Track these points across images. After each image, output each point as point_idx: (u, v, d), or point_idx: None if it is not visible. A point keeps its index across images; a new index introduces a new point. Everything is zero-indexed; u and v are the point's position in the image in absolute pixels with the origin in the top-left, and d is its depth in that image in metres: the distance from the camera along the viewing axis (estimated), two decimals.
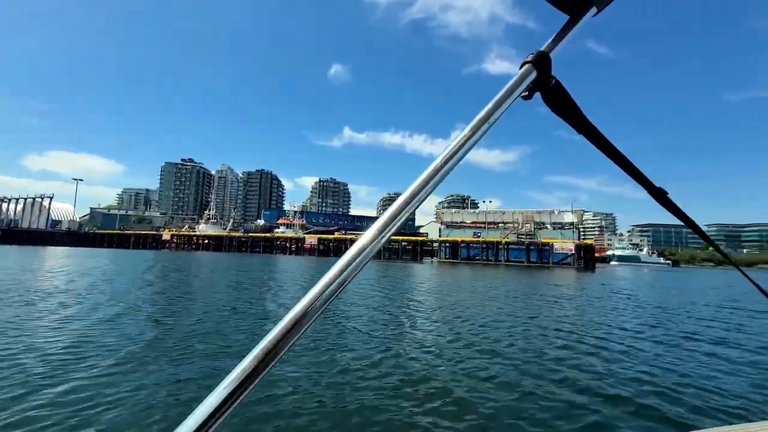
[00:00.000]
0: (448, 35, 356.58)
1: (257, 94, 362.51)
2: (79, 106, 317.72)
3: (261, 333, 6.22)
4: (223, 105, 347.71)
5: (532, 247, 60.86)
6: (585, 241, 59.16)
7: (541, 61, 0.62)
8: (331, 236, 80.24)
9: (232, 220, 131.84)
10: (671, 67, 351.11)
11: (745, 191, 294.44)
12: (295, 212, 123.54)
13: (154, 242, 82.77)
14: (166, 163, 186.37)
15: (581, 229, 68.09)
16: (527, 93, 0.62)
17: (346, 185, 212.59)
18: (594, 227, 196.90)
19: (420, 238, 68.85)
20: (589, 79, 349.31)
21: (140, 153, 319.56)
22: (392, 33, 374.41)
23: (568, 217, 66.83)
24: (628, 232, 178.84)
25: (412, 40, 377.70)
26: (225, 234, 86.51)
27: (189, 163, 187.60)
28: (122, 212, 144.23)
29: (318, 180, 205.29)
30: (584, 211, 69.46)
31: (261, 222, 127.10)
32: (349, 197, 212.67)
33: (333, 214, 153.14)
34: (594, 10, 0.70)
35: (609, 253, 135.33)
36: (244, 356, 0.40)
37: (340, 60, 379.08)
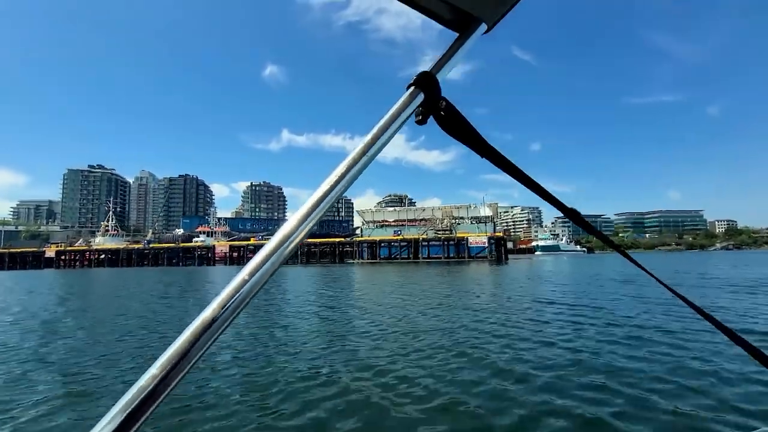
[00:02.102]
0: (383, 38, 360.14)
1: (184, 95, 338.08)
2: None
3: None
4: (144, 106, 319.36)
5: (449, 243, 61.27)
6: (497, 234, 60.68)
7: (428, 83, 0.60)
8: (244, 243, 75.11)
9: (150, 231, 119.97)
10: (579, 77, 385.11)
11: (647, 182, 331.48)
12: (219, 219, 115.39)
13: (35, 261, 71.49)
14: (68, 170, 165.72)
15: (496, 222, 70.10)
16: (420, 117, 0.61)
17: (281, 189, 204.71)
18: (523, 221, 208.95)
19: (337, 239, 66.53)
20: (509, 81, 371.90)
21: (47, 161, 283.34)
22: (327, 35, 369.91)
23: (485, 211, 68.49)
24: (552, 223, 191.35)
25: (348, 43, 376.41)
26: (121, 247, 77.40)
27: (97, 170, 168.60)
28: (10, 228, 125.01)
29: (250, 184, 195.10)
30: (498, 205, 71.67)
31: (180, 231, 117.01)
32: (285, 201, 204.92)
33: (264, 219, 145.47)
34: (484, 27, 0.69)
35: (534, 244, 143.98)
36: (140, 374, 0.37)
37: (275, 61, 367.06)
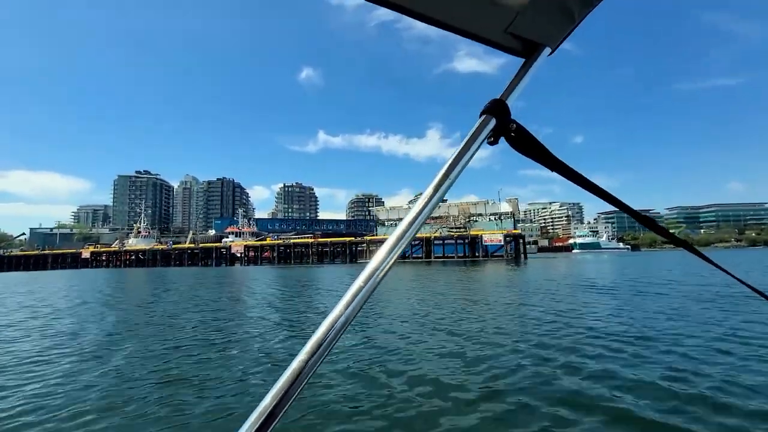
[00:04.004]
0: (416, 36, 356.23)
1: (227, 102, 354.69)
2: (32, 118, 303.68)
3: None
4: (190, 113, 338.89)
5: (462, 241, 58.60)
6: (514, 231, 57.04)
7: (499, 109, 0.65)
8: (259, 243, 76.45)
9: (191, 233, 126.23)
10: (624, 64, 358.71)
11: (703, 173, 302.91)
12: (249, 220, 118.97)
13: (74, 261, 77.14)
14: (118, 176, 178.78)
15: (517, 218, 66.26)
16: (492, 139, 0.66)
17: (312, 189, 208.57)
18: (561, 217, 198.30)
19: (348, 239, 65.71)
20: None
21: (109, 168, 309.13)
22: (361, 36, 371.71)
23: (504, 207, 65.00)
24: (594, 220, 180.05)
25: (381, 43, 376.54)
26: (147, 248, 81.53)
27: (144, 175, 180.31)
28: (66, 231, 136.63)
29: (282, 185, 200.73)
30: (518, 200, 67.61)
31: (212, 232, 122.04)
32: (316, 201, 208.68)
33: (294, 219, 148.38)
34: (548, 50, 0.73)
35: (571, 241, 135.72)
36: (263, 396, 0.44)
37: (310, 63, 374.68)
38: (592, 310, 10.18)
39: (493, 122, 0.65)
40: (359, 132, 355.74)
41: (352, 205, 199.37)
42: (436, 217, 66.48)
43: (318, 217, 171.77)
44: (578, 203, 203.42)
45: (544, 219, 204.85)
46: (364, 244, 63.95)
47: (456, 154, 0.63)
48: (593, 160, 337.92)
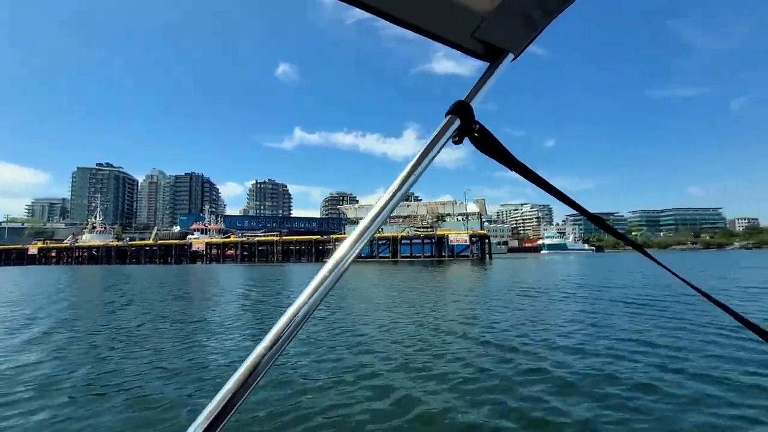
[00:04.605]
0: (394, 36, 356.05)
1: (200, 96, 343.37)
2: None
3: None
4: (160, 107, 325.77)
5: (429, 241, 58.48)
6: (480, 232, 57.37)
7: (463, 111, 0.69)
8: (221, 240, 73.97)
9: (156, 229, 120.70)
10: (595, 69, 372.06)
11: (666, 179, 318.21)
12: (216, 216, 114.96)
13: (19, 257, 71.99)
14: (78, 168, 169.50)
15: (483, 219, 66.87)
16: (456, 138, 0.69)
17: (286, 186, 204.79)
18: (532, 218, 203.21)
19: (314, 237, 64.41)
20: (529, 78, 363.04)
21: (69, 161, 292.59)
22: (339, 33, 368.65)
23: (472, 208, 65.38)
24: (563, 222, 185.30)
25: (360, 40, 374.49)
26: (101, 244, 77.37)
27: (106, 168, 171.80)
28: (16, 225, 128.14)
29: (254, 182, 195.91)
30: (485, 201, 68.19)
31: (177, 229, 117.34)
32: (290, 199, 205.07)
33: (267, 217, 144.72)
34: (511, 56, 0.77)
35: (540, 242, 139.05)
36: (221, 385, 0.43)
37: (288, 59, 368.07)
38: (515, 315, 9.73)
39: (457, 122, 0.68)
40: (336, 130, 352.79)
41: (327, 204, 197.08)
42: (405, 217, 66.14)
43: (291, 215, 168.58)
44: (548, 205, 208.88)
45: (516, 220, 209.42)
46: (331, 243, 62.79)
47: (421, 152, 0.65)
48: (564, 163, 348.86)
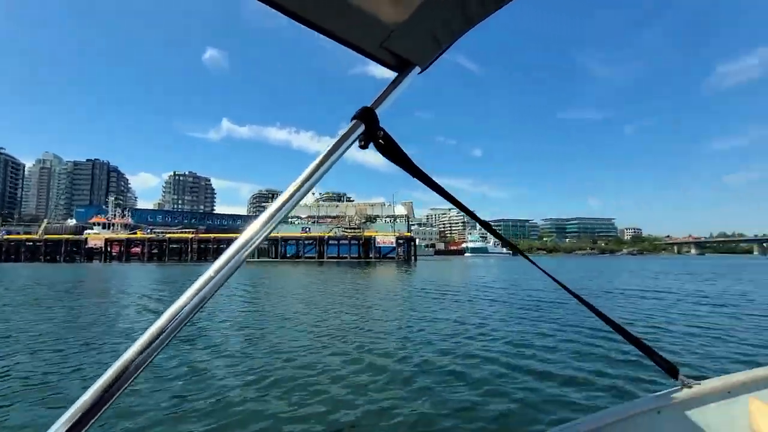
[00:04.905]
0: None
1: (108, 71, 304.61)
2: None
3: None
4: (58, 79, 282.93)
5: (356, 242, 58.09)
6: (406, 234, 58.51)
7: (368, 116, 0.72)
8: (125, 236, 66.34)
9: (45, 221, 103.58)
10: (519, 89, 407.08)
11: (572, 190, 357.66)
12: (123, 210, 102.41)
13: None
14: None
15: (411, 221, 68.36)
16: (362, 143, 0.73)
17: (209, 180, 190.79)
18: (458, 223, 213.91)
19: (235, 235, 60.19)
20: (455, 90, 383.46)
21: None
22: (275, 23, 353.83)
23: (400, 210, 66.34)
24: None
25: (297, 34, 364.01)
26: None
27: None
28: None
29: (172, 174, 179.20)
30: (412, 204, 69.82)
31: (72, 222, 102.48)
32: (213, 194, 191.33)
33: (185, 212, 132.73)
34: (418, 69, 0.82)
35: (464, 245, 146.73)
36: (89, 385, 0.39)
37: (217, 45, 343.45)
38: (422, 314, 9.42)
39: (362, 128, 0.71)
40: (269, 124, 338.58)
41: (255, 201, 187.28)
42: (333, 217, 65.03)
43: (214, 212, 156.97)
44: (473, 211, 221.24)
45: (444, 224, 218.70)
46: None
47: (325, 153, 0.67)
48: (489, 172, 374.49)
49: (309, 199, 71.51)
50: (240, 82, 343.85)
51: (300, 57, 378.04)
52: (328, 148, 0.68)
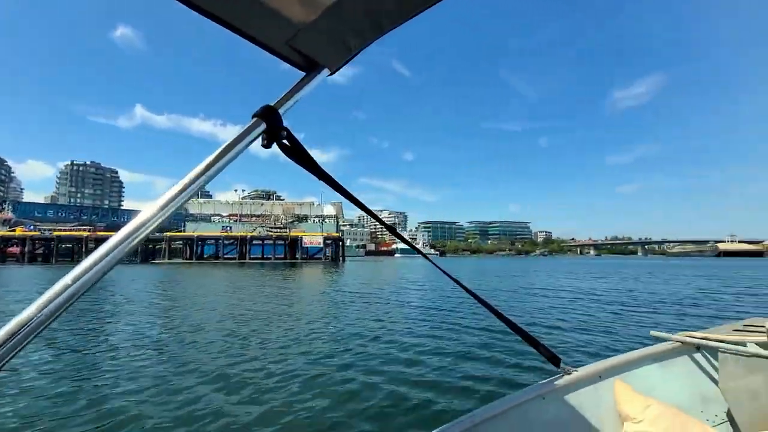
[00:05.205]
0: None
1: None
2: None
3: None
4: None
5: (282, 242, 55.49)
6: (334, 234, 57.35)
7: (270, 115, 0.70)
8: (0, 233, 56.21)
9: None
10: (449, 97, 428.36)
11: (495, 195, 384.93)
12: (3, 203, 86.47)
13: None
14: None
15: (340, 222, 67.36)
16: (265, 142, 0.71)
17: (116, 172, 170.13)
18: (389, 224, 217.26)
19: None
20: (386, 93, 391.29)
21: None
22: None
23: (329, 210, 64.92)
24: (416, 228, 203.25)
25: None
26: None
27: None
28: None
29: (70, 163, 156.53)
30: (342, 204, 68.91)
31: None
32: (121, 188, 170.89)
33: (84, 207, 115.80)
34: (327, 71, 0.80)
35: (394, 246, 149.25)
36: None
37: (128, 21, 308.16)
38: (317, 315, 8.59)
39: (263, 126, 0.69)
40: (191, 114, 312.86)
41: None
42: (258, 216, 61.46)
43: (121, 207, 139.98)
44: (404, 213, 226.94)
45: (375, 225, 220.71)
46: (163, 242, 53.57)
47: (221, 150, 0.64)
48: (419, 175, 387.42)
49: (232, 196, 66.95)
50: (161, 67, 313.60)
51: (225, 41, 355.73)
52: (224, 145, 0.66)
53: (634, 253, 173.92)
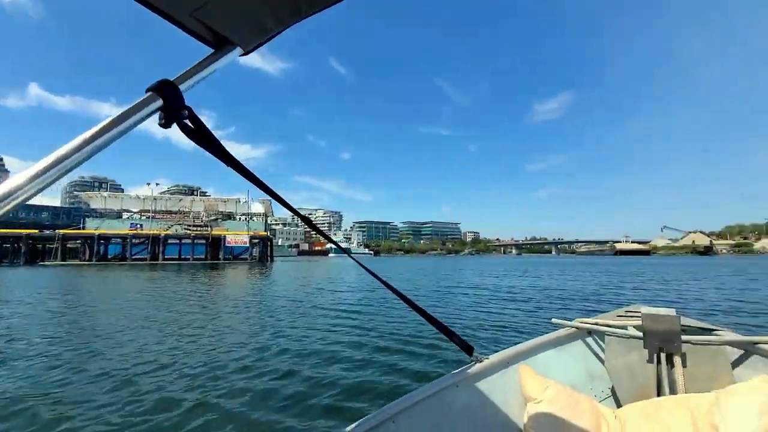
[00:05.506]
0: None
1: None
2: None
3: None
4: None
5: (203, 241, 51.26)
6: (261, 233, 54.39)
7: (168, 91, 0.62)
8: None
9: None
10: (387, 100, 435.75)
11: (429, 197, 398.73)
12: None
13: None
14: None
15: (269, 220, 64.28)
16: (163, 121, 0.62)
17: (1, 161, 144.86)
18: (324, 223, 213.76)
19: (27, 232, 46.22)
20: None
21: None
22: None
23: (257, 208, 61.55)
24: (351, 228, 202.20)
25: None
26: None
27: None
28: None
29: None
30: (270, 203, 65.88)
31: None
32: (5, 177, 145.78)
33: None
34: (239, 50, 0.72)
35: (328, 246, 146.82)
36: None
37: None
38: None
39: (159, 102, 0.61)
40: (101, 98, 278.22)
41: (72, 190, 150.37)
42: (175, 212, 56.15)
43: None
44: (339, 212, 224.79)
45: None
46: (57, 241, 46.35)
47: (105, 124, 0.57)
48: (357, 174, 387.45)
49: (146, 191, 60.46)
50: (59, 38, 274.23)
51: (141, 20, 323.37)
52: (110, 120, 0.58)
53: (549, 252, 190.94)
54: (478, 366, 1.78)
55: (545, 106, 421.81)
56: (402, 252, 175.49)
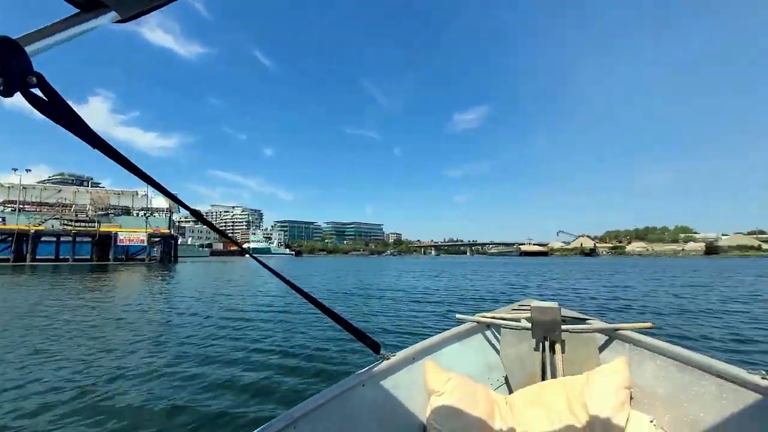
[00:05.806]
0: None
1: None
2: None
3: None
4: None
5: (88, 239, 44.09)
6: (163, 231, 48.62)
7: (5, 50, 0.51)
8: None
9: None
10: (311, 98, 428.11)
11: (354, 197, 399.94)
12: None
13: None
14: None
15: (174, 218, 57.97)
16: (2, 88, 0.52)
17: None
18: (242, 222, 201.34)
19: None
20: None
21: None
22: None
23: (160, 203, 54.98)
24: (271, 227, 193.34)
25: None
26: None
27: None
28: None
29: None
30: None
31: None
32: None
33: None
34: (115, 15, 0.60)
35: (246, 246, 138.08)
36: None
37: None
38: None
39: None
40: None
41: None
42: (52, 205, 47.52)
43: None
44: (259, 210, 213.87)
45: (226, 222, 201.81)
46: None
47: None
48: (278, 171, 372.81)
49: (13, 178, 50.31)
50: None
51: None
52: None
53: (464, 253, 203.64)
54: (385, 363, 1.78)
55: (464, 116, 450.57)
56: (325, 252, 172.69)
